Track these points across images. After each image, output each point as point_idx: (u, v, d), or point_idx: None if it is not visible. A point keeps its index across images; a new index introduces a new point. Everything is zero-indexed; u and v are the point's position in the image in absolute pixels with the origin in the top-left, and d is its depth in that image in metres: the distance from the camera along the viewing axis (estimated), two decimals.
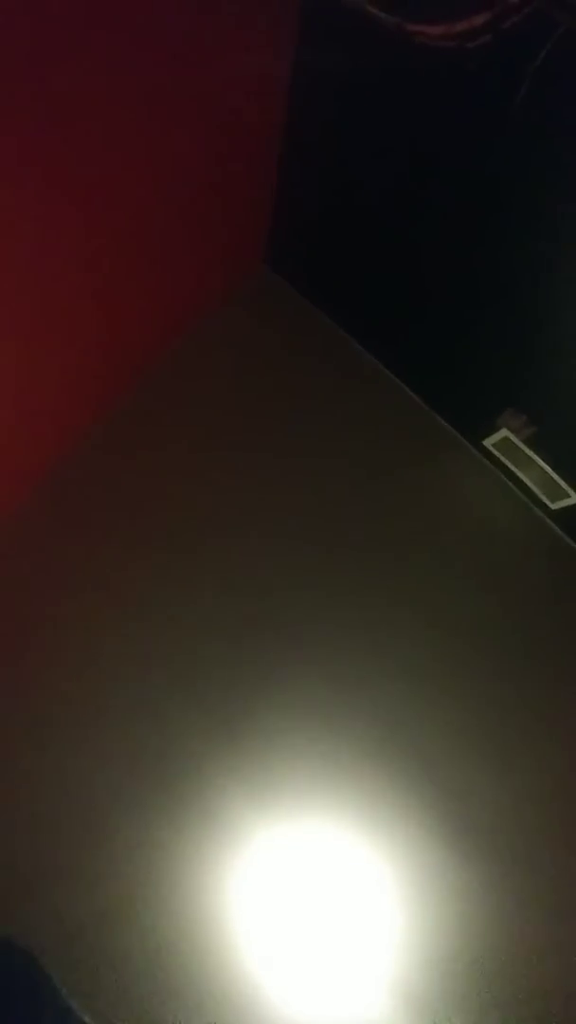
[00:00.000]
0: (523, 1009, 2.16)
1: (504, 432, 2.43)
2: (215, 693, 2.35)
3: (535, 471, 2.47)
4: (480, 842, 2.30)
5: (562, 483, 2.41)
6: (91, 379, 2.43)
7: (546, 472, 2.42)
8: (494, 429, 2.46)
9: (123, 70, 1.62)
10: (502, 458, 2.58)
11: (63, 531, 2.45)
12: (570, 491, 2.41)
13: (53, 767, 2.23)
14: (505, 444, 2.48)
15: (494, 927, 2.23)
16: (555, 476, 2.41)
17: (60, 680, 2.31)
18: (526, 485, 2.60)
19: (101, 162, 1.77)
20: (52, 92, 1.49)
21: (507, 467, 2.60)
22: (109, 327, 2.31)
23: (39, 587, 2.39)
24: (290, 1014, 2.11)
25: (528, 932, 2.23)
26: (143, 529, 2.49)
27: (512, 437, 2.41)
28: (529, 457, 2.43)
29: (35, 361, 2.06)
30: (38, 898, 2.09)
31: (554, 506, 2.57)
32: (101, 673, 2.33)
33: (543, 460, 2.39)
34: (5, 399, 2.03)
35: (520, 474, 2.58)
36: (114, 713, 2.30)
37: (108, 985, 2.04)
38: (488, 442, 2.54)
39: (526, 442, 2.41)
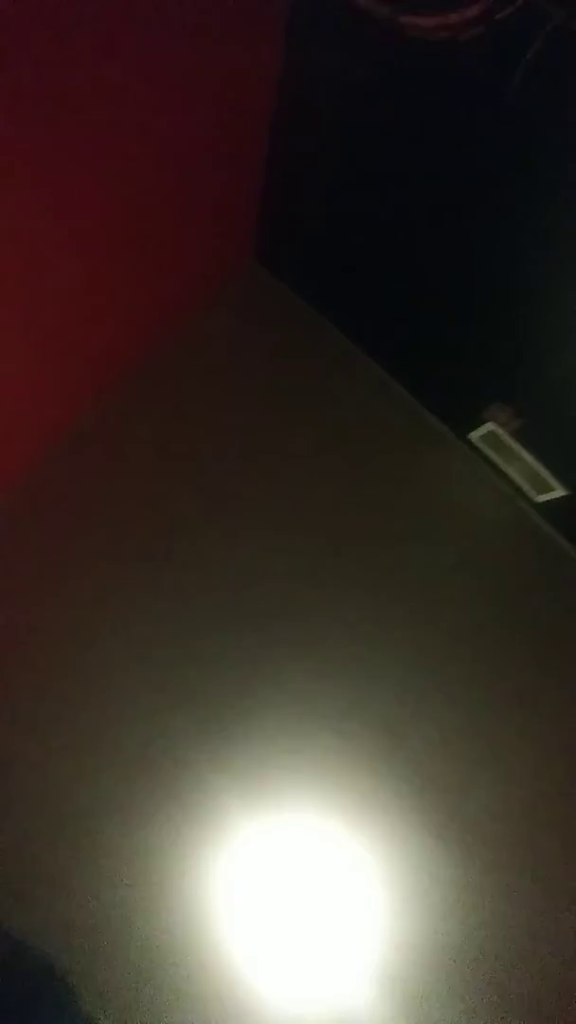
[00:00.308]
0: (515, 1000, 2.18)
1: (491, 425, 2.45)
2: (208, 690, 2.34)
3: (521, 464, 2.49)
4: (471, 836, 2.32)
5: (548, 476, 2.44)
6: (81, 375, 2.41)
7: (532, 465, 2.45)
8: (481, 422, 2.48)
9: (113, 70, 1.62)
10: (489, 451, 2.60)
11: (52, 531, 2.42)
12: (556, 484, 2.44)
13: (48, 767, 2.20)
14: (492, 437, 2.50)
15: (485, 919, 2.25)
16: (541, 469, 2.44)
17: (53, 679, 2.29)
18: (512, 478, 2.63)
19: (93, 161, 1.76)
20: (44, 93, 1.48)
21: (493, 460, 2.63)
22: (101, 323, 2.29)
23: (30, 585, 2.37)
24: (286, 1007, 2.11)
25: (520, 924, 2.25)
26: (133, 526, 2.47)
27: (499, 430, 2.44)
28: (515, 450, 2.46)
29: (25, 357, 2.04)
30: (32, 903, 2.06)
31: (540, 499, 2.60)
32: (94, 672, 2.31)
33: (529, 453, 2.42)
34: None
35: (506, 467, 2.60)
36: (108, 712, 2.28)
37: (104, 988, 2.02)
38: (475, 435, 2.56)
39: (513, 435, 2.43)
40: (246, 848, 2.23)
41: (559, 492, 2.46)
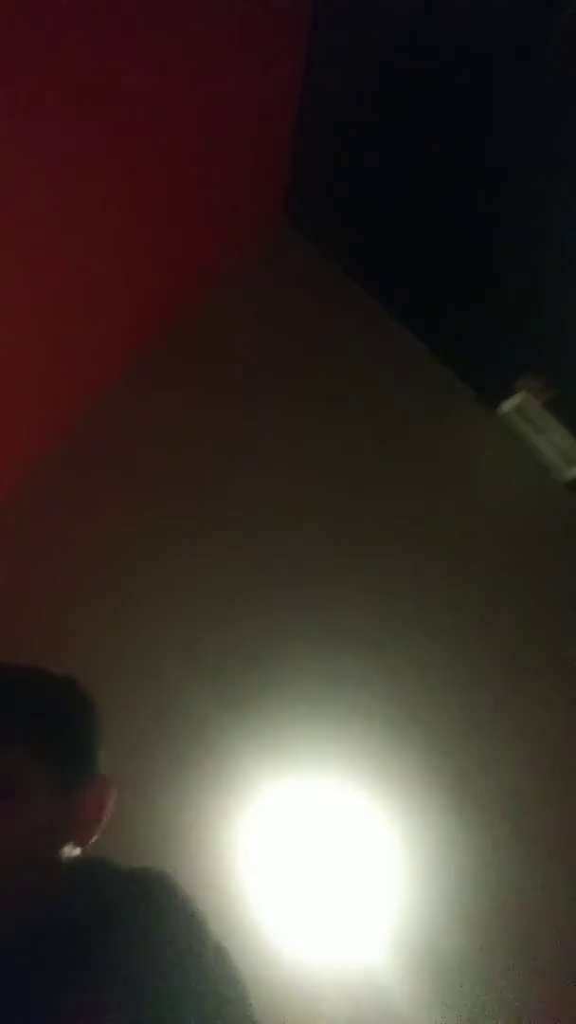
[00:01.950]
0: (526, 964, 2.19)
1: (523, 395, 2.40)
2: (222, 650, 2.36)
3: (554, 435, 2.44)
4: (484, 802, 2.31)
5: None
6: (110, 339, 2.42)
7: (564, 438, 2.39)
8: (513, 391, 2.42)
9: (139, 25, 1.59)
10: (519, 422, 2.54)
11: (76, 482, 2.45)
12: None
13: None
14: (523, 408, 2.44)
15: (496, 884, 2.25)
16: (573, 443, 2.38)
17: (64, 638, 2.32)
18: (543, 451, 2.57)
19: (117, 118, 1.75)
20: (69, 47, 1.46)
21: (524, 432, 2.57)
22: (129, 286, 2.29)
23: (45, 546, 2.41)
24: (298, 961, 2.15)
25: (531, 891, 2.26)
26: (152, 482, 2.49)
27: (530, 401, 2.38)
28: (547, 422, 2.40)
29: (53, 321, 2.06)
30: None
31: (571, 474, 2.54)
32: (105, 631, 2.34)
33: (562, 423, 2.36)
34: (21, 357, 2.04)
35: (537, 440, 2.54)
36: (119, 671, 2.31)
37: None
38: (506, 405, 2.51)
39: (545, 406, 2.38)
40: (262, 807, 2.26)
41: None
